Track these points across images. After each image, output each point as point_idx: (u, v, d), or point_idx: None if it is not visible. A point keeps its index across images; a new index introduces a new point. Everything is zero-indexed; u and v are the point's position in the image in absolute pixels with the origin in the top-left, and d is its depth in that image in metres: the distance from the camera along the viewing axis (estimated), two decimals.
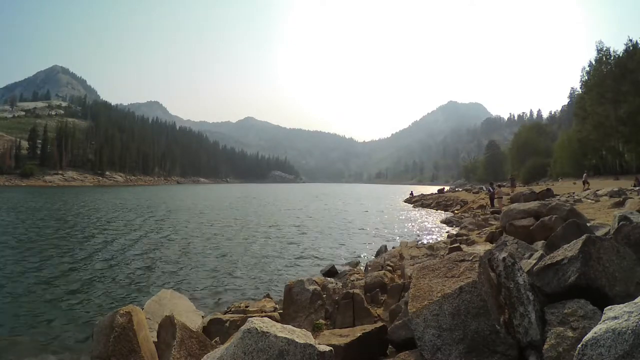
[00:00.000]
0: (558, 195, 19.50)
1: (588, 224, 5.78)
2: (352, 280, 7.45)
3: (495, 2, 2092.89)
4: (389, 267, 7.79)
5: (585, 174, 32.90)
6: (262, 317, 3.06)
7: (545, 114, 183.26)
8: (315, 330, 4.59)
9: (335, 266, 9.51)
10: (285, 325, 2.34)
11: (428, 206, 33.92)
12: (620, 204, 11.35)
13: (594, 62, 57.05)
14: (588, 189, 23.26)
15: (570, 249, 2.60)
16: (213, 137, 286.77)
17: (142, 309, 4.23)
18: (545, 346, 2.13)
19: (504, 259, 2.57)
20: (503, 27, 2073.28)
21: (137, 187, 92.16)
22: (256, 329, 2.15)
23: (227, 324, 5.13)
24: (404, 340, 2.99)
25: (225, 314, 5.92)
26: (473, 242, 9.69)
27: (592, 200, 15.70)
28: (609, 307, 1.67)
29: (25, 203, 31.25)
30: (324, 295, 5.62)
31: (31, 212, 23.44)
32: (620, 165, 50.36)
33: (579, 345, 1.57)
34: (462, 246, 8.24)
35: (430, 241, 12.43)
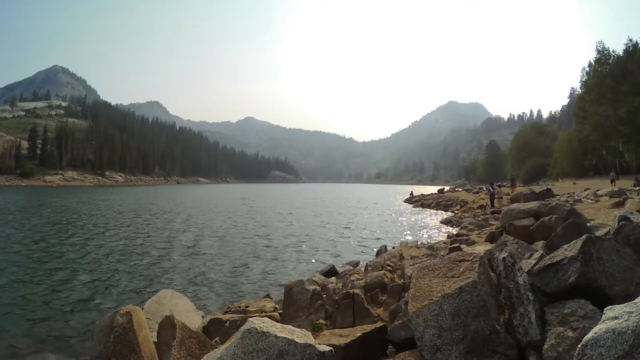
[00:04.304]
0: (558, 195, 19.52)
1: (588, 224, 5.78)
2: (352, 280, 7.45)
3: (495, 2, 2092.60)
4: (389, 267, 7.79)
5: (612, 173, 32.69)
6: (262, 317, 3.06)
7: (545, 114, 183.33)
8: (315, 330, 4.58)
9: (335, 266, 9.51)
10: (285, 325, 2.34)
11: (428, 206, 33.91)
12: (620, 204, 11.35)
13: (593, 62, 57.07)
14: None
15: (570, 249, 2.60)
16: (213, 137, 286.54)
17: (142, 309, 4.23)
18: (545, 346, 2.13)
19: (504, 259, 2.57)
20: (503, 27, 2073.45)
21: (137, 187, 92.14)
22: (256, 329, 2.15)
23: (227, 324, 5.13)
24: (404, 340, 2.99)
25: (225, 314, 5.92)
26: (473, 242, 9.68)
27: (592, 200, 15.71)
28: (609, 307, 1.67)
29: (25, 203, 31.25)
30: (324, 295, 5.62)
31: (30, 212, 23.44)
32: (620, 165, 50.33)
33: (579, 345, 1.57)
34: (462, 246, 8.23)
35: (430, 241, 12.43)
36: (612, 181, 28.74)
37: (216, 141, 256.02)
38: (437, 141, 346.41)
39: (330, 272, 9.03)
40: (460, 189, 59.59)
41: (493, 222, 14.30)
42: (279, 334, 2.14)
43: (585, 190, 22.11)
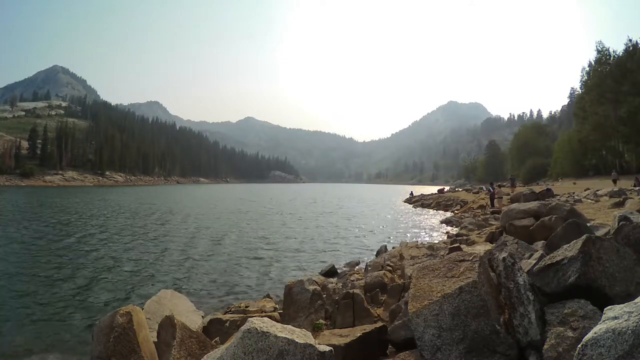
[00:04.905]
0: (558, 195, 19.52)
1: (588, 224, 5.78)
2: (352, 280, 7.45)
3: (495, 2, 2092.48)
4: (389, 267, 7.79)
5: (614, 172, 32.78)
6: (262, 317, 3.06)
7: (545, 114, 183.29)
8: (315, 330, 4.59)
9: (335, 266, 9.51)
10: (285, 325, 2.34)
11: (428, 206, 33.91)
12: (620, 204, 11.35)
13: (593, 62, 57.08)
14: None
15: (570, 249, 2.60)
16: (213, 137, 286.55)
17: (142, 309, 4.23)
18: (545, 346, 2.13)
19: (504, 259, 2.57)
20: (503, 27, 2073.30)
21: (137, 187, 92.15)
22: (256, 329, 2.15)
23: (227, 324, 5.14)
24: (404, 340, 2.99)
25: (225, 314, 5.92)
26: (473, 242, 9.69)
27: (592, 200, 15.71)
28: (609, 307, 1.67)
29: (24, 203, 31.25)
30: (324, 295, 5.63)
31: (30, 212, 23.44)
32: (620, 165, 50.33)
33: (579, 345, 1.57)
34: (462, 246, 8.24)
35: (430, 241, 12.43)
36: (614, 181, 28.83)
37: (216, 141, 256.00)
38: (437, 141, 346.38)
39: (330, 272, 9.03)
40: (460, 189, 59.58)
41: (493, 222, 14.29)
42: (279, 334, 2.14)
43: (585, 190, 22.11)
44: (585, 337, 1.58)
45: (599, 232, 4.40)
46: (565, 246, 2.72)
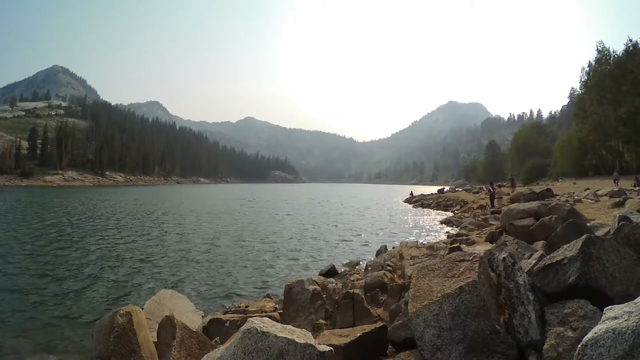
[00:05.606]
0: (558, 195, 19.52)
1: (588, 224, 5.78)
2: (352, 280, 7.45)
3: (495, 3, 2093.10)
4: (389, 267, 7.78)
5: (615, 172, 32.82)
6: (262, 317, 3.06)
7: (545, 114, 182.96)
8: (315, 330, 4.58)
9: (335, 266, 9.50)
10: (285, 325, 2.35)
11: (428, 206, 33.92)
12: (620, 204, 11.35)
13: (593, 62, 57.07)
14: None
15: (570, 249, 2.60)
16: (213, 137, 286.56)
17: (142, 309, 4.23)
18: (545, 346, 2.13)
19: (504, 259, 2.57)
20: (503, 28, 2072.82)
21: (137, 187, 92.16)
22: (256, 329, 2.15)
23: (227, 324, 5.13)
24: (404, 340, 2.99)
25: (225, 314, 5.92)
26: (473, 242, 9.68)
27: (592, 200, 15.71)
28: (609, 307, 1.67)
29: (24, 204, 31.25)
30: (324, 295, 5.62)
31: (31, 212, 23.44)
32: (620, 165, 50.32)
33: (579, 345, 1.57)
34: (462, 246, 8.22)
35: (430, 241, 12.43)
36: (615, 180, 28.94)
37: (216, 141, 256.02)
38: (437, 141, 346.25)
39: (330, 272, 9.02)
40: (460, 189, 59.61)
41: (493, 222, 14.29)
42: (279, 334, 2.14)
43: (585, 190, 22.11)
44: (585, 337, 1.58)
45: (599, 232, 4.40)
46: (565, 246, 2.72)
